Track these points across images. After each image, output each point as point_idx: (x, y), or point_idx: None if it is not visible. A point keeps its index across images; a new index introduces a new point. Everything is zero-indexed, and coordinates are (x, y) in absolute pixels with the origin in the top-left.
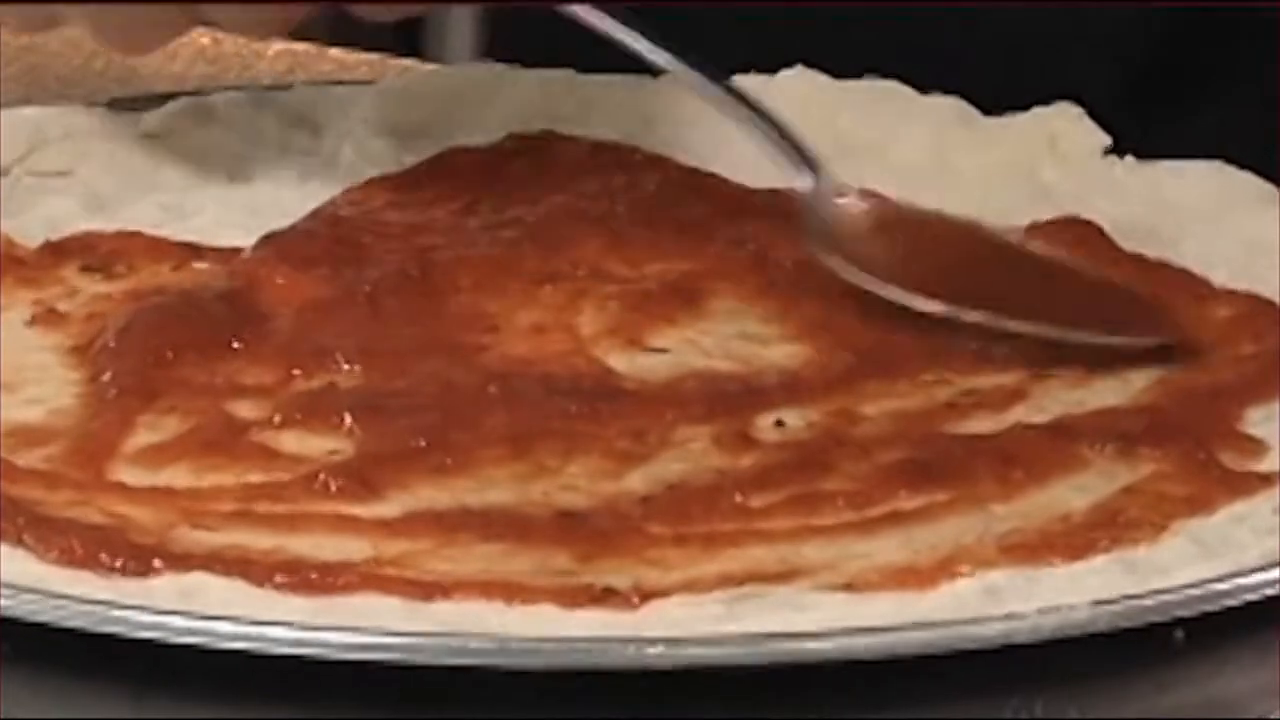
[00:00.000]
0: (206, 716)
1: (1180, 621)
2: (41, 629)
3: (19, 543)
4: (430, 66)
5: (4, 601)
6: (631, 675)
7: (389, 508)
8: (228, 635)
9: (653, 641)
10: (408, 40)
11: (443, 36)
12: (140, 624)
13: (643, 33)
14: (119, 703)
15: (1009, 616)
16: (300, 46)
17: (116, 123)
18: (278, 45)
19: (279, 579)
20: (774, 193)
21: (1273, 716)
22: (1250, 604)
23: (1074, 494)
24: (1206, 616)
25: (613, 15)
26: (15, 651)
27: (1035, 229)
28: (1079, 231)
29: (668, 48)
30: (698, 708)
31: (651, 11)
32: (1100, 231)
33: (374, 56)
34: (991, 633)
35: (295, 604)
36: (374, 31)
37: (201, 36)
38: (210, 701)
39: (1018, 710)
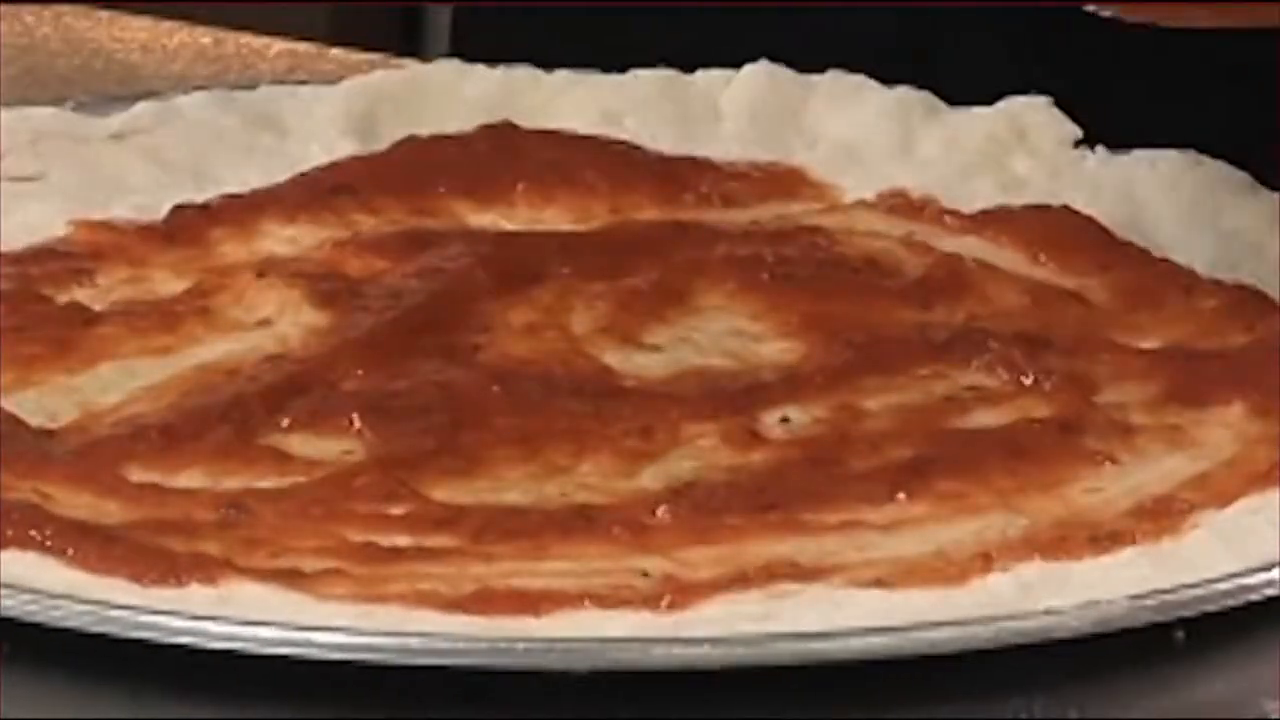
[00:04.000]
0: (207, 716)
1: (1181, 621)
2: (40, 629)
3: (45, 550)
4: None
5: (5, 602)
6: (662, 675)
7: (410, 510)
8: (333, 647)
9: (698, 642)
10: (408, 40)
11: (443, 36)
12: (218, 634)
13: None
14: (119, 703)
15: (1049, 612)
16: (301, 46)
17: (83, 125)
18: (279, 45)
19: (318, 585)
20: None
21: (1273, 717)
22: (1251, 603)
23: (1087, 487)
24: (1206, 616)
25: None
26: (15, 651)
27: (1025, 215)
28: (1069, 219)
29: None
30: (698, 706)
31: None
32: (1091, 220)
33: (375, 56)
34: (1032, 628)
35: (333, 608)
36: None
37: (203, 37)
38: (212, 701)
39: (1018, 710)
